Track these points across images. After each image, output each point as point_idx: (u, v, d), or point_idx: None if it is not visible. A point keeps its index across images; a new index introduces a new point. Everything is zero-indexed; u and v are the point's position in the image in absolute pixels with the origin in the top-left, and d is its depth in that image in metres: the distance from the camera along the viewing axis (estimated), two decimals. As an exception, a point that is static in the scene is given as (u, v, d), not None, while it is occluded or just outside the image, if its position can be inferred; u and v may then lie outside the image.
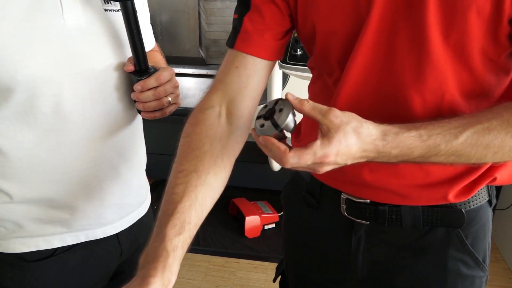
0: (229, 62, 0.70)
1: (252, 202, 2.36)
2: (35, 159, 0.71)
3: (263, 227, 2.27)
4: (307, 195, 0.82)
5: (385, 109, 0.64)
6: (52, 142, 0.71)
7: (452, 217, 0.69)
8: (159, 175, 2.82)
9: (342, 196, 0.75)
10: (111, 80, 0.76)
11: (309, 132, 0.78)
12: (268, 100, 0.60)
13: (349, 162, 0.55)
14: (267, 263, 2.08)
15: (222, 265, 2.07)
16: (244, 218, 2.22)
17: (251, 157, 2.37)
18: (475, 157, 0.55)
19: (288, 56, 1.73)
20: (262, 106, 0.57)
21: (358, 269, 0.78)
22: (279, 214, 2.30)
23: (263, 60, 0.69)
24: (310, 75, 1.49)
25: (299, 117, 0.68)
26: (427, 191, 0.69)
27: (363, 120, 0.54)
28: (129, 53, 0.76)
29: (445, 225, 0.70)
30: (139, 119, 0.87)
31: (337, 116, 0.52)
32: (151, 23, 0.91)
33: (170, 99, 0.77)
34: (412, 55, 0.60)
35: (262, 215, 2.26)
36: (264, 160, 2.22)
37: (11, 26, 0.62)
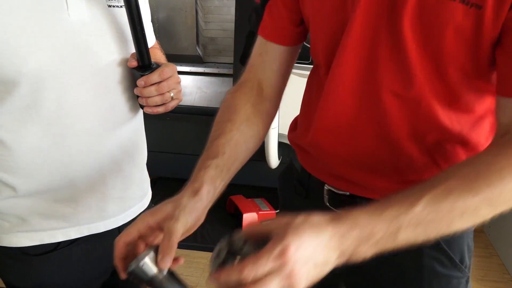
0: (255, 48, 0.77)
1: (249, 199, 2.38)
2: (39, 153, 0.72)
3: (261, 223, 2.28)
4: (297, 184, 0.85)
5: (367, 111, 0.66)
6: (56, 136, 0.72)
7: None
8: (157, 172, 2.84)
9: (325, 187, 0.77)
10: (114, 75, 0.77)
11: (306, 125, 0.80)
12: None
13: (321, 257, 0.48)
14: (264, 260, 2.09)
15: (220, 262, 2.09)
16: (241, 215, 2.23)
17: (249, 155, 2.39)
18: (443, 225, 0.51)
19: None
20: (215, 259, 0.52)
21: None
22: (276, 211, 2.32)
23: (282, 46, 0.74)
24: (306, 72, 1.49)
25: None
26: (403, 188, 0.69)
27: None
28: (132, 49, 0.77)
29: None
30: (140, 114, 0.89)
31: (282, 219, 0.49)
32: (148, 21, 0.93)
33: (172, 94, 0.78)
34: (393, 61, 0.61)
35: (260, 212, 2.28)
36: (261, 157, 2.24)
37: (17, 20, 0.63)
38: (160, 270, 0.53)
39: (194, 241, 2.20)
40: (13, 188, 0.74)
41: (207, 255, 2.10)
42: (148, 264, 0.52)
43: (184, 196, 0.58)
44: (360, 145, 0.70)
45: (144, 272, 0.52)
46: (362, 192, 0.73)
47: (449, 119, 0.64)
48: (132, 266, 0.52)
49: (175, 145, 2.58)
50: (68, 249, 0.81)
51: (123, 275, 0.55)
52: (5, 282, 0.84)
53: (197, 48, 3.03)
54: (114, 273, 0.94)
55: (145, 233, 0.57)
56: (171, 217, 0.55)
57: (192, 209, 0.58)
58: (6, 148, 0.71)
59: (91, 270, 0.87)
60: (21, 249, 0.78)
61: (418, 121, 0.64)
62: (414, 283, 0.75)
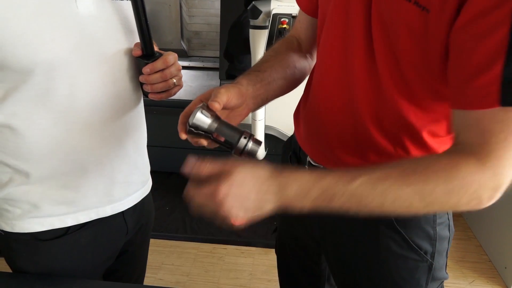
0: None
1: (237, 191, 2.42)
2: (52, 140, 0.75)
3: (249, 214, 2.33)
4: (292, 154, 0.94)
5: (343, 92, 0.74)
6: (68, 123, 0.75)
7: None
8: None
9: (307, 158, 0.86)
10: (121, 64, 0.80)
11: (303, 101, 0.90)
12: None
13: (255, 199, 0.58)
14: (253, 248, 2.15)
15: (210, 251, 2.13)
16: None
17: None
18: (374, 203, 0.58)
19: (272, 47, 1.79)
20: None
21: (314, 227, 0.90)
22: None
23: (308, 16, 0.88)
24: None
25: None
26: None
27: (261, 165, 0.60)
28: (136, 39, 0.80)
29: None
30: (142, 102, 0.92)
31: (234, 164, 0.58)
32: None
33: (175, 80, 0.82)
34: (364, 51, 0.68)
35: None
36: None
37: (29, 13, 0.66)
38: (213, 118, 0.64)
39: (185, 233, 2.23)
40: (26, 175, 0.76)
41: (198, 246, 2.16)
42: (202, 113, 0.64)
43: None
44: (335, 123, 0.77)
45: (201, 121, 0.64)
46: (333, 167, 0.80)
47: (407, 111, 0.69)
48: (190, 119, 0.64)
49: (161, 138, 2.59)
50: (77, 234, 0.84)
51: (183, 136, 0.68)
52: (13, 268, 0.86)
53: (182, 42, 3.04)
54: (118, 257, 0.98)
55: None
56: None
57: (232, 87, 0.70)
58: (20, 135, 0.73)
59: (99, 254, 0.90)
60: (32, 235, 0.80)
61: (380, 106, 0.71)
62: (373, 259, 0.81)
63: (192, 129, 0.65)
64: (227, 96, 0.68)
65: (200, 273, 2.00)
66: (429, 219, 0.78)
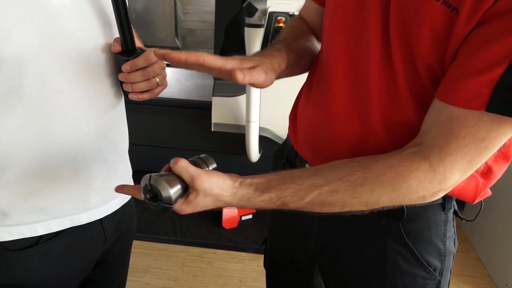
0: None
1: (229, 193, 2.36)
2: (21, 142, 0.69)
3: (241, 218, 2.28)
4: (286, 162, 0.89)
5: (353, 101, 0.70)
6: (38, 124, 0.69)
7: (392, 209, 0.69)
8: (135, 165, 2.77)
9: (306, 165, 0.81)
10: (97, 60, 0.74)
11: (304, 99, 0.85)
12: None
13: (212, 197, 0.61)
14: (244, 254, 2.09)
15: (199, 256, 2.07)
16: (221, 209, 2.22)
17: (229, 149, 2.37)
18: (324, 210, 0.62)
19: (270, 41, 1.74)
20: (144, 183, 0.61)
21: (312, 240, 0.84)
22: (256, 205, 2.31)
23: (315, 4, 0.84)
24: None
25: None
26: None
27: (222, 188, 0.60)
28: (116, 34, 0.74)
29: (385, 215, 0.71)
30: (123, 102, 0.86)
31: (203, 182, 0.58)
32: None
33: (158, 80, 0.76)
34: (378, 52, 0.64)
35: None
36: (242, 151, 2.23)
37: None
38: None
39: (174, 235, 2.17)
40: None
41: (186, 249, 2.11)
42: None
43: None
44: (341, 128, 0.72)
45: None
46: None
47: (421, 120, 0.64)
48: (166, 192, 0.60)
49: (154, 138, 2.54)
50: (50, 243, 0.78)
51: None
52: (-18, 278, 0.80)
53: (176, 39, 2.98)
54: (95, 267, 0.92)
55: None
56: None
57: (269, 71, 0.67)
58: None
59: (74, 264, 0.84)
60: (0, 244, 0.74)
61: (393, 112, 0.66)
62: (378, 275, 0.77)
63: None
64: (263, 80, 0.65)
65: (188, 278, 1.94)
66: (440, 234, 0.74)
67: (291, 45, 0.77)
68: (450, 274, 0.79)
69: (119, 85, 0.80)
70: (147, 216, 2.29)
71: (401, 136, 0.67)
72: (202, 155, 0.66)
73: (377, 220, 0.73)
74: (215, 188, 0.59)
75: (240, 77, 0.58)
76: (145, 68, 0.74)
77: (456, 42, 0.56)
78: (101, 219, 0.85)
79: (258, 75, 0.62)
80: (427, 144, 0.59)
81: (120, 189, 0.67)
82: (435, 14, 0.56)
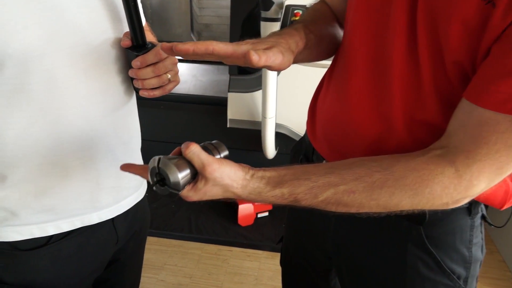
0: None
1: (245, 190, 2.34)
2: (29, 141, 0.67)
3: (257, 215, 2.25)
4: (303, 158, 0.86)
5: (374, 97, 0.66)
6: (46, 122, 0.67)
7: (413, 212, 0.67)
8: (150, 162, 2.77)
9: (324, 162, 0.77)
10: (107, 56, 0.71)
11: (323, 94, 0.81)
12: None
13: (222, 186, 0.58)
14: (260, 252, 2.07)
15: (214, 253, 2.06)
16: (237, 206, 2.20)
17: (245, 145, 2.35)
18: (338, 210, 0.59)
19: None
20: (152, 165, 0.58)
21: (328, 240, 0.81)
22: (272, 203, 2.28)
23: None
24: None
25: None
26: None
27: (233, 178, 0.57)
28: (126, 28, 0.72)
29: (405, 218, 0.67)
30: (134, 98, 0.84)
31: (214, 171, 0.56)
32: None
33: (169, 76, 0.73)
34: (404, 46, 0.60)
35: (255, 203, 2.24)
36: (258, 148, 2.20)
37: None
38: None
39: (189, 232, 2.16)
40: (1, 179, 0.69)
41: (202, 246, 2.09)
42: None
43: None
44: (361, 125, 0.68)
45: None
46: None
47: (446, 119, 0.60)
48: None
49: (169, 134, 2.52)
50: (60, 243, 0.76)
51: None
52: (-6, 278, 0.79)
53: (192, 35, 2.97)
54: (108, 266, 0.90)
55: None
56: None
57: (287, 54, 0.62)
58: None
59: (85, 265, 0.82)
60: (10, 244, 0.73)
61: (417, 110, 0.62)
62: (397, 280, 0.73)
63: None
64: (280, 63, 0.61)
65: (203, 276, 1.92)
66: (465, 240, 0.70)
67: (310, 26, 0.73)
68: (477, 281, 0.75)
69: (130, 82, 0.77)
70: (163, 212, 2.28)
71: (424, 135, 0.63)
72: (214, 141, 0.63)
73: (397, 223, 0.70)
74: (226, 178, 0.56)
75: (255, 58, 0.53)
76: (156, 64, 0.71)
77: (490, 38, 0.51)
78: (112, 219, 0.84)
79: (275, 56, 0.58)
80: (453, 148, 0.55)
81: (126, 168, 0.64)
82: (467, 7, 0.51)
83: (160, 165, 0.57)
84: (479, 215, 0.71)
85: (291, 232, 0.97)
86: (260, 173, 0.59)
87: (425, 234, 0.69)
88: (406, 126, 0.64)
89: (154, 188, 0.59)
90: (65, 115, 0.68)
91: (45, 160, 0.69)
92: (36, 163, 0.69)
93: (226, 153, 0.63)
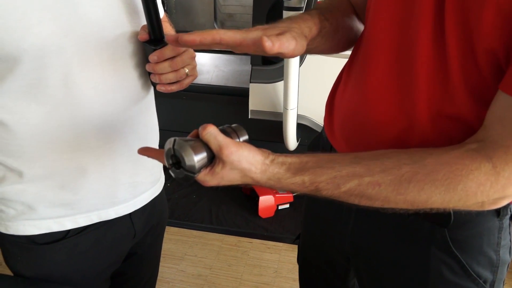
0: None
1: (266, 182, 2.32)
2: (45, 136, 0.67)
3: (277, 207, 2.24)
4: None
5: (397, 91, 0.62)
6: (63, 118, 0.66)
7: (437, 214, 0.62)
8: (173, 152, 2.80)
9: None
10: (124, 50, 0.70)
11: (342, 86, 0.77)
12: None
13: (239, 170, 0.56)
14: (280, 244, 2.05)
15: (234, 245, 2.06)
16: (258, 197, 2.19)
17: (266, 136, 2.33)
18: (361, 203, 0.56)
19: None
20: (167, 147, 0.56)
21: (347, 240, 0.78)
22: (293, 195, 2.26)
23: None
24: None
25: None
26: None
27: (252, 162, 0.54)
28: (143, 21, 0.70)
29: (428, 220, 0.64)
30: (151, 93, 0.83)
31: (231, 153, 0.53)
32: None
33: (187, 70, 0.72)
34: (430, 34, 0.56)
35: (276, 195, 2.23)
36: (279, 139, 2.17)
37: None
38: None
39: (210, 223, 2.17)
40: (19, 174, 0.69)
41: (222, 237, 2.10)
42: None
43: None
44: (382, 121, 0.65)
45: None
46: None
47: (475, 114, 0.57)
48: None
49: (191, 125, 2.52)
50: (77, 238, 0.77)
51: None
52: (12, 271, 0.80)
53: (215, 24, 2.95)
54: (126, 260, 0.91)
55: None
56: None
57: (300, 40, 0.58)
58: (9, 131, 0.65)
59: (102, 260, 0.83)
60: (28, 238, 0.74)
61: (443, 104, 0.58)
62: (419, 284, 0.70)
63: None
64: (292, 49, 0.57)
65: (223, 267, 1.93)
66: (493, 243, 0.66)
67: (325, 13, 0.69)
68: (503, 284, 0.71)
69: (147, 76, 0.76)
70: (184, 203, 2.30)
71: (452, 131, 0.59)
72: (233, 125, 0.61)
73: (420, 225, 0.67)
74: (244, 162, 0.54)
75: (268, 44, 0.50)
76: (174, 58, 0.70)
77: None
78: (130, 214, 0.83)
79: (288, 42, 0.54)
80: (490, 142, 0.51)
81: (143, 151, 0.64)
82: None
83: (175, 147, 0.55)
84: (508, 216, 0.67)
85: (308, 231, 0.95)
86: (281, 158, 0.56)
87: (450, 237, 0.66)
88: (431, 121, 0.60)
89: (170, 171, 0.57)
90: (81, 110, 0.68)
91: (61, 156, 0.69)
92: (53, 158, 0.69)
93: (245, 137, 0.60)
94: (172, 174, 0.57)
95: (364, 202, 0.55)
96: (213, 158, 0.55)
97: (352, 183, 0.54)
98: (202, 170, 0.55)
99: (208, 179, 0.55)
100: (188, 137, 0.57)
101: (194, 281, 1.85)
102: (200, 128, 0.55)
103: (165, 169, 0.94)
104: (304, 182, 0.55)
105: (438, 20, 0.55)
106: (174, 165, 0.56)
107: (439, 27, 0.55)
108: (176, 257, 1.97)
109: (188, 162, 0.53)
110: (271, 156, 0.56)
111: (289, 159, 0.56)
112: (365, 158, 0.55)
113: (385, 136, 0.65)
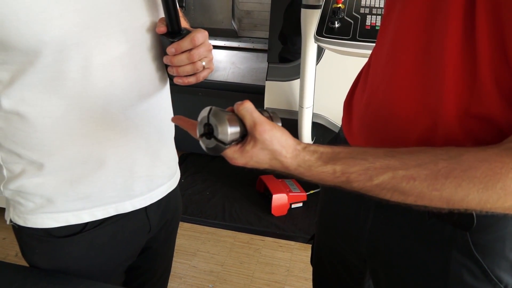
0: None
1: (280, 180, 2.32)
2: (65, 129, 0.67)
3: (290, 205, 2.23)
4: None
5: (422, 89, 0.61)
6: (82, 111, 0.67)
7: (459, 216, 0.60)
8: (187, 148, 2.81)
9: None
10: (142, 43, 0.71)
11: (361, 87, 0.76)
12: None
13: (268, 154, 0.55)
14: (293, 243, 2.05)
15: (247, 242, 2.06)
16: (271, 195, 2.18)
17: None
18: (393, 199, 0.54)
19: (325, 29, 1.64)
20: (202, 115, 0.56)
21: (363, 242, 0.77)
22: (307, 193, 2.25)
23: None
24: (347, 49, 1.37)
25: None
26: None
27: (284, 145, 0.54)
28: (161, 13, 0.70)
29: (450, 223, 0.62)
30: (167, 87, 0.83)
31: (264, 131, 0.53)
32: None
33: (204, 63, 0.71)
34: (460, 29, 0.54)
35: (290, 194, 2.22)
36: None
37: None
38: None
39: (223, 220, 2.17)
40: (38, 167, 0.70)
41: (235, 234, 2.10)
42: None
43: None
44: (406, 120, 0.63)
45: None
46: None
47: (506, 115, 0.55)
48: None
49: (206, 121, 2.53)
50: (94, 232, 0.77)
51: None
52: (29, 263, 0.81)
53: (232, 21, 2.95)
54: (140, 254, 0.91)
55: None
56: None
57: None
58: (30, 124, 0.66)
59: (118, 253, 0.83)
60: (46, 230, 0.74)
61: (472, 102, 0.57)
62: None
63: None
64: None
65: (235, 264, 1.93)
66: None
67: None
68: None
69: (164, 69, 0.76)
70: (197, 199, 2.31)
71: (478, 132, 0.57)
72: (269, 110, 0.60)
73: (441, 227, 0.65)
74: (276, 143, 0.53)
75: None
76: (191, 50, 0.70)
77: None
78: (145, 208, 0.84)
79: None
80: None
81: (176, 119, 0.65)
82: None
83: (210, 115, 0.54)
84: None
85: (323, 232, 0.94)
86: (313, 147, 0.55)
87: (471, 240, 0.64)
88: (458, 120, 0.58)
89: (200, 141, 0.56)
90: (99, 103, 0.68)
91: (80, 148, 0.70)
92: (72, 151, 0.70)
93: (279, 124, 0.59)
94: (202, 145, 0.56)
95: (396, 197, 0.53)
96: (245, 136, 0.55)
97: (385, 176, 0.52)
98: (232, 144, 0.54)
99: (237, 156, 0.55)
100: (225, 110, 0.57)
101: (206, 277, 1.86)
102: (237, 103, 0.55)
103: (181, 164, 0.95)
104: (335, 171, 0.53)
105: (468, 16, 0.53)
106: (206, 134, 0.55)
107: (469, 23, 0.53)
108: (189, 252, 1.98)
109: (221, 130, 0.53)
110: (303, 144, 0.55)
111: (321, 148, 0.55)
112: (400, 152, 0.54)
113: (409, 135, 0.63)
